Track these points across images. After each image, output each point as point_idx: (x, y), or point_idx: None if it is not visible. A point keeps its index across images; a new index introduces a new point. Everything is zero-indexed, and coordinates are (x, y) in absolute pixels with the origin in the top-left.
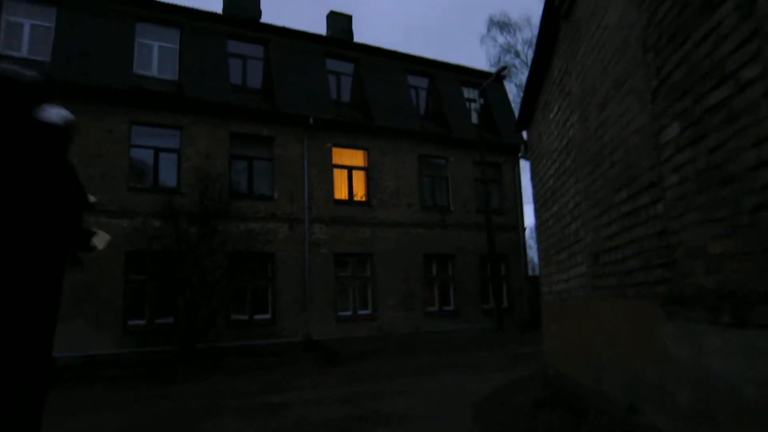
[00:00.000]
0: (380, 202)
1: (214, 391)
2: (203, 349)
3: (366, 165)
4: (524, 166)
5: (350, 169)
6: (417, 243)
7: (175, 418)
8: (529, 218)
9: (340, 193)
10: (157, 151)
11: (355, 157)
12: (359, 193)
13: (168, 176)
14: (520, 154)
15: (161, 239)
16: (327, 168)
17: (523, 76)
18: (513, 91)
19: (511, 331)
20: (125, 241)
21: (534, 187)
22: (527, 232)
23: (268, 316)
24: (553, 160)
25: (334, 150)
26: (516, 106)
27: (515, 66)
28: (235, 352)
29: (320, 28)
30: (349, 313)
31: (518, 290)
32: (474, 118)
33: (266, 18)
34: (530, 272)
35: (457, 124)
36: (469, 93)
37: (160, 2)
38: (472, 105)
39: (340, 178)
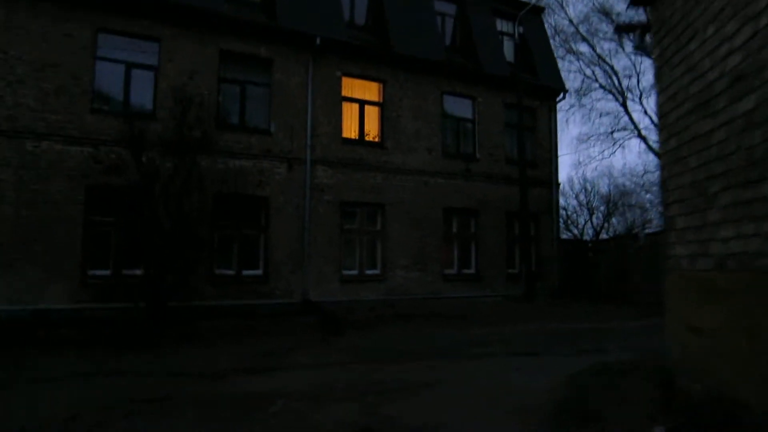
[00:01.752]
0: (396, 145)
1: (179, 367)
2: (178, 308)
3: (381, 100)
4: (560, 115)
5: (362, 104)
6: (436, 194)
7: (102, 413)
8: (563, 173)
9: (350, 131)
10: (130, 66)
11: (369, 90)
12: (372, 133)
13: (141, 98)
14: (634, 45)
15: (123, 172)
16: (335, 100)
17: (558, 16)
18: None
19: (541, 300)
20: (86, 174)
21: (664, 88)
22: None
23: (258, 271)
24: (746, 18)
25: (345, 80)
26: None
27: (550, 7)
28: (217, 314)
29: None
30: (354, 272)
31: (548, 254)
32: (508, 56)
33: None
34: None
35: (488, 58)
36: (502, 25)
37: None
38: (506, 39)
39: (349, 113)
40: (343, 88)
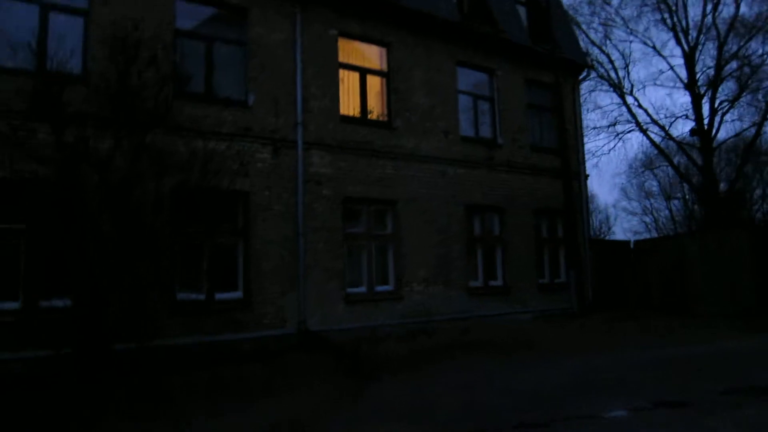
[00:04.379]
0: (407, 125)
1: None
2: (126, 353)
3: (386, 68)
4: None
5: (363, 73)
6: (456, 188)
7: None
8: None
9: (349, 106)
10: (46, 8)
11: (371, 56)
12: (376, 110)
13: (65, 53)
14: None
15: (39, 155)
16: (330, 66)
17: None
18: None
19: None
20: None
21: None
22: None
23: (237, 294)
24: None
25: (342, 42)
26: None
27: None
28: (184, 357)
29: None
30: (362, 290)
31: (571, 260)
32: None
33: None
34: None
35: (505, 25)
36: None
37: None
38: (518, 6)
39: (348, 83)
40: (340, 51)
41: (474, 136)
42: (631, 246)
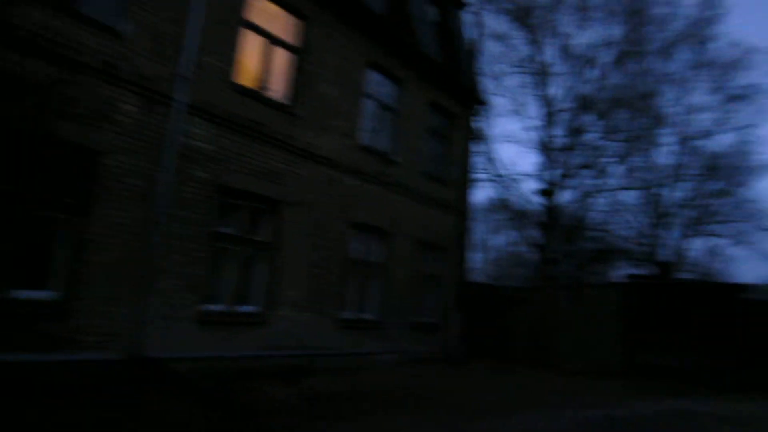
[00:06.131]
0: (310, 115)
1: None
2: None
3: (298, 44)
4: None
5: (271, 41)
6: (347, 200)
7: None
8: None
9: (247, 75)
10: None
11: (282, 24)
12: (278, 87)
13: None
14: None
15: None
16: (233, 18)
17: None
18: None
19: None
20: None
21: None
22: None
23: (50, 293)
24: None
25: None
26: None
27: None
28: None
29: None
30: (221, 307)
31: (452, 300)
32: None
33: None
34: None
35: (422, 40)
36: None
37: None
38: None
39: (251, 47)
40: (248, 5)
41: (372, 147)
42: (506, 292)
